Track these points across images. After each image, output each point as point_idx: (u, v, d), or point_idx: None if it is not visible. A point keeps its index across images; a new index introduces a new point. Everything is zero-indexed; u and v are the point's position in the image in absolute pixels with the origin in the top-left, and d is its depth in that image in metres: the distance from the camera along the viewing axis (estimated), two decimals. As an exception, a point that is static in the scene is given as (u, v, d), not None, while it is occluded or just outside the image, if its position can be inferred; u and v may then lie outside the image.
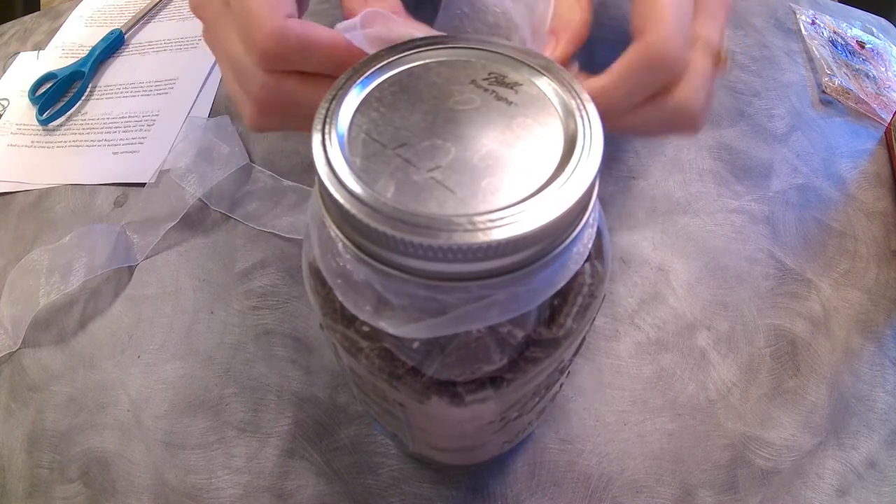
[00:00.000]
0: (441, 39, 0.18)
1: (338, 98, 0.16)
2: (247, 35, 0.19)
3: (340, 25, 0.19)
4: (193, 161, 0.41)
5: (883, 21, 0.55)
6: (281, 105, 0.21)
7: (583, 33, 0.21)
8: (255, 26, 0.18)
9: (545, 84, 0.17)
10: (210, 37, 0.22)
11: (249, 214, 0.41)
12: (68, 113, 0.48)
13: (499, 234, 0.13)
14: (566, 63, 0.21)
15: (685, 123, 0.22)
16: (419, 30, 0.19)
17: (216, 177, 0.41)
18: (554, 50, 0.21)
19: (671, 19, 0.19)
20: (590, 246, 0.17)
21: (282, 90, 0.20)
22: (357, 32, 0.19)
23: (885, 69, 0.50)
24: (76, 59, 0.51)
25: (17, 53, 0.54)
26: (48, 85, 0.49)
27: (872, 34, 0.53)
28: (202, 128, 0.43)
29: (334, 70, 0.19)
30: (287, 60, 0.19)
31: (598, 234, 0.19)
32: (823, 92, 0.47)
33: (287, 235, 0.39)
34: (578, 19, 0.21)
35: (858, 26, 0.53)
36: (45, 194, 0.44)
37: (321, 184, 0.15)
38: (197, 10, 0.22)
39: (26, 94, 0.49)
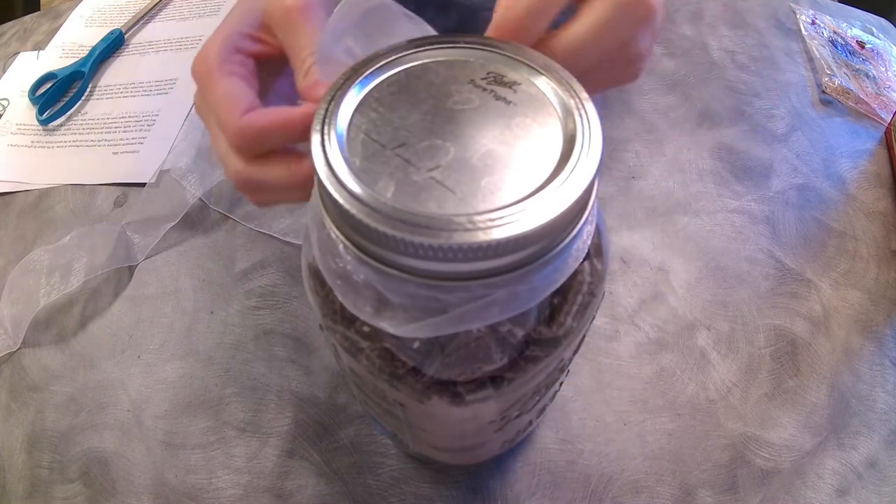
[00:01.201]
0: (439, 39, 0.18)
1: (336, 98, 0.16)
2: (220, 132, 0.22)
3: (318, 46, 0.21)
4: (194, 161, 0.41)
5: (883, 21, 0.55)
6: (254, 187, 0.23)
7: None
8: (223, 126, 0.22)
9: (544, 83, 0.17)
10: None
11: (248, 215, 0.41)
12: (68, 113, 0.48)
13: (499, 234, 0.13)
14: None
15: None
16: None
17: (217, 176, 0.41)
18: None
19: None
20: (589, 244, 0.17)
21: (251, 177, 0.22)
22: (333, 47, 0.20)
23: (885, 69, 0.50)
24: (76, 59, 0.51)
25: (17, 53, 0.54)
26: (48, 85, 0.49)
27: (872, 34, 0.53)
28: (202, 127, 0.43)
29: (300, 138, 0.21)
30: (255, 147, 0.22)
31: (598, 232, 0.19)
32: (823, 92, 0.47)
33: (284, 238, 0.39)
34: None
35: (858, 26, 0.53)
36: (45, 194, 0.44)
37: (321, 184, 0.15)
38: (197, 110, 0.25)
39: (26, 94, 0.49)
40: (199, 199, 0.41)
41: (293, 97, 0.25)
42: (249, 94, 0.22)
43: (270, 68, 0.25)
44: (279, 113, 0.21)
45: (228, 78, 0.22)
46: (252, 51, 0.24)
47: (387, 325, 0.16)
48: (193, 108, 0.27)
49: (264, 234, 0.40)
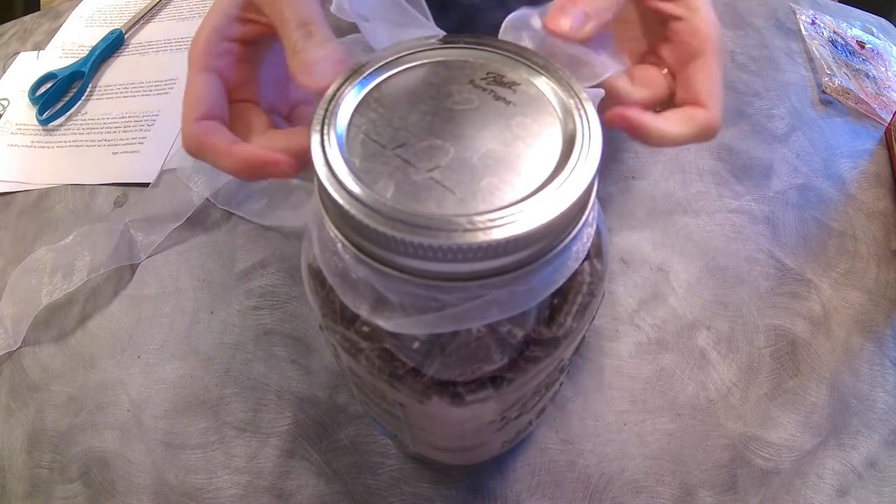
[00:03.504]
0: (439, 40, 0.18)
1: (336, 99, 0.16)
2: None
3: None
4: (199, 160, 0.41)
5: (883, 21, 0.55)
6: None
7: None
8: (182, 121, 0.22)
9: (543, 83, 0.17)
10: None
11: (256, 212, 0.41)
12: (68, 113, 0.48)
13: (498, 234, 0.13)
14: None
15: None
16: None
17: (224, 177, 0.41)
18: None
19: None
20: (588, 245, 0.17)
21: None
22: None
23: (885, 69, 0.50)
24: (76, 59, 0.51)
25: (17, 53, 0.54)
26: (48, 85, 0.49)
27: (872, 34, 0.53)
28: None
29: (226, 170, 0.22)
30: (196, 155, 0.22)
31: (598, 233, 0.19)
32: (823, 92, 0.47)
33: (294, 233, 0.39)
34: None
35: (858, 26, 0.53)
36: (45, 194, 0.44)
37: (320, 185, 0.15)
38: None
39: (26, 94, 0.49)
40: (207, 198, 0.41)
41: (282, 81, 0.25)
42: (211, 97, 0.23)
43: (263, 46, 0.25)
44: (224, 143, 0.22)
45: (202, 75, 0.23)
46: (241, 33, 0.24)
47: (384, 322, 0.16)
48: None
49: (264, 233, 0.40)
